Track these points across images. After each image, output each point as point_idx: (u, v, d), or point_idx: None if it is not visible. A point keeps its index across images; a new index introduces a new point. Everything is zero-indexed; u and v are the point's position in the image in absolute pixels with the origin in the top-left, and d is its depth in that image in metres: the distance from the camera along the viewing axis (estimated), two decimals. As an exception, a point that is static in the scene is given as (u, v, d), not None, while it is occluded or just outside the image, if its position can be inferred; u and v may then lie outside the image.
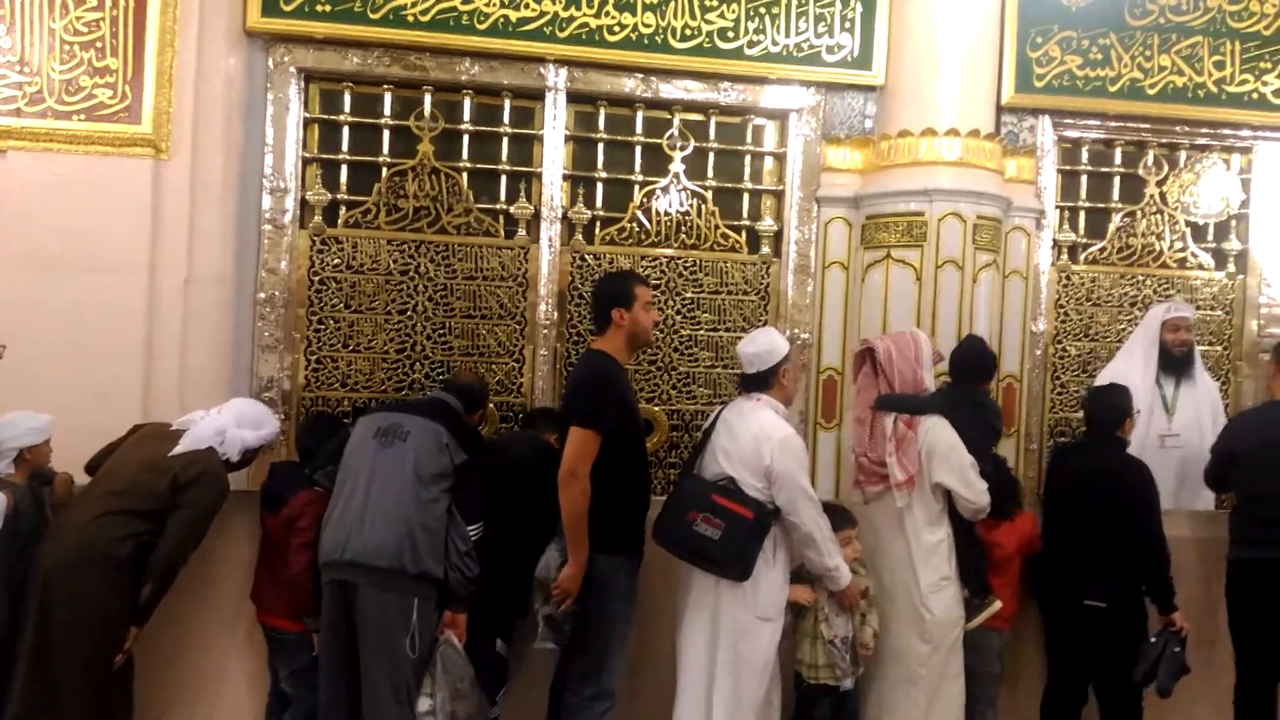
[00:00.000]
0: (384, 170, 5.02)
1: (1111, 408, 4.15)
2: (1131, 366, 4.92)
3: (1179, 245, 5.74)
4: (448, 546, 3.54)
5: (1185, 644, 3.95)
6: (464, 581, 3.55)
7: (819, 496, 3.71)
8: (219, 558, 3.91)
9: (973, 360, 4.35)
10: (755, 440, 3.55)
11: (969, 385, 4.26)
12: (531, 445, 3.97)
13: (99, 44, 4.45)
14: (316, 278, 4.97)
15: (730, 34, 5.12)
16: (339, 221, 5.01)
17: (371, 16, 4.81)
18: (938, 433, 3.78)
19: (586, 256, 5.20)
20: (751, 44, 5.15)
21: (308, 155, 4.97)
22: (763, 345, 3.72)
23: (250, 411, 3.89)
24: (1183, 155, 5.73)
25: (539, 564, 3.54)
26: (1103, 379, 5.04)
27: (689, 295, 5.31)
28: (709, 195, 5.33)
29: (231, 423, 3.76)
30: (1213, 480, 4.38)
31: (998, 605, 3.91)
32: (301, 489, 3.76)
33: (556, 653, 3.71)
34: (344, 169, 5.01)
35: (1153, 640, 3.95)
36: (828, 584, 3.65)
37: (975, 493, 3.74)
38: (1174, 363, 4.87)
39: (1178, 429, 4.81)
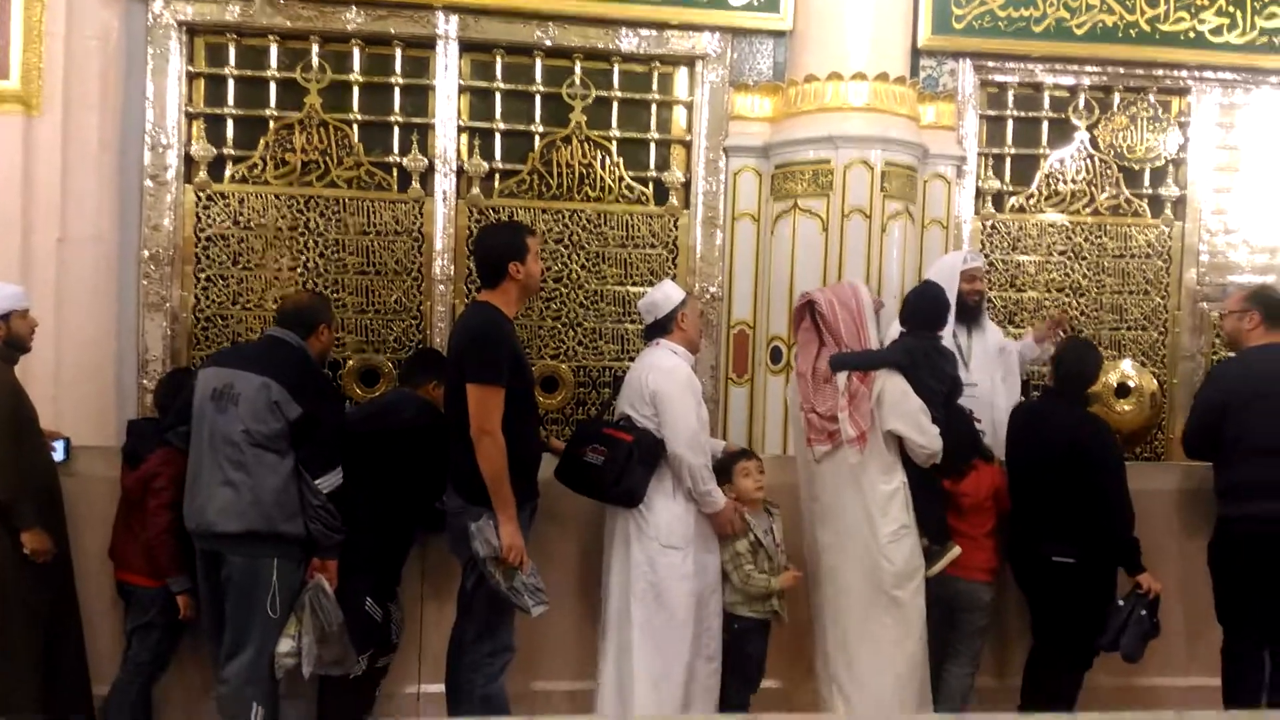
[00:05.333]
0: (271, 124, 4.89)
1: (1090, 365, 3.95)
2: None
3: (1113, 191, 5.53)
4: (303, 501, 3.47)
5: (1156, 606, 3.75)
6: (326, 531, 3.48)
7: (736, 445, 3.80)
8: (82, 521, 3.83)
9: (925, 307, 4.15)
10: (642, 371, 3.60)
11: (922, 333, 4.10)
12: (418, 406, 3.86)
13: (-38, -3, 4.35)
14: (203, 234, 4.86)
15: (629, -23, 4.94)
16: (225, 177, 4.90)
17: (249, -35, 4.67)
18: (888, 382, 3.69)
19: (485, 210, 5.05)
20: (652, -14, 4.96)
21: (191, 110, 4.85)
22: (656, 295, 3.71)
23: None
24: (1116, 98, 5.48)
25: (476, 545, 3.34)
26: None
27: (594, 249, 5.17)
28: (613, 146, 5.16)
29: None
30: (1200, 435, 3.99)
31: (957, 551, 3.78)
32: (157, 448, 3.70)
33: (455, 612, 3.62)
34: (229, 123, 4.89)
35: (1120, 604, 3.80)
36: (701, 507, 3.59)
37: (928, 438, 3.65)
38: (968, 312, 4.69)
39: (975, 378, 4.62)
